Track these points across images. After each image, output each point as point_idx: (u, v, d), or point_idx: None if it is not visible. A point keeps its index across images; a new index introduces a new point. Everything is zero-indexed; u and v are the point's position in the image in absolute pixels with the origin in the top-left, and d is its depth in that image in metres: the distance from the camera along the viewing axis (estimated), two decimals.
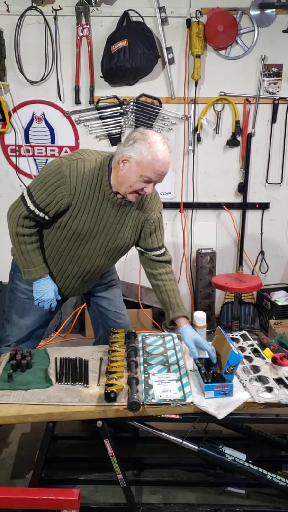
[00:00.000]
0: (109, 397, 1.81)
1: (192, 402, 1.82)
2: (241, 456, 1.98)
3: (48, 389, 1.93)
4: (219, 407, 1.81)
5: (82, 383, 1.97)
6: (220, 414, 1.79)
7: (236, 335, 2.38)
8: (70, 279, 2.24)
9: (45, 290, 2.16)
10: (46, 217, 2.05)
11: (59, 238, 2.13)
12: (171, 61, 3.63)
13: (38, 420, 1.83)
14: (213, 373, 1.96)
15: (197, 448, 1.94)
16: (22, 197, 2.06)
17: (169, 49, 3.59)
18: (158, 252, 2.24)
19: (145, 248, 2.24)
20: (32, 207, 2.02)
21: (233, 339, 2.31)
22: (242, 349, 2.22)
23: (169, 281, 2.23)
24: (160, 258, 2.24)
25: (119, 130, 3.75)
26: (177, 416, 1.84)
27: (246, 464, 1.95)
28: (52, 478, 2.14)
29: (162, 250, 2.26)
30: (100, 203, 2.05)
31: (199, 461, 2.20)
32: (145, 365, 2.07)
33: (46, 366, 2.10)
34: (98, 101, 3.69)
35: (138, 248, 2.28)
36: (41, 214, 2.03)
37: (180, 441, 1.92)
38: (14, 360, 2.07)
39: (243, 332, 2.42)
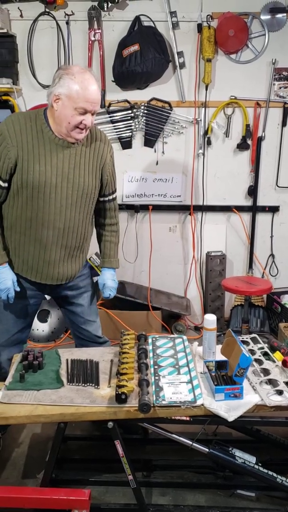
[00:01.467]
0: (120, 398, 1.83)
1: (202, 404, 1.83)
2: (251, 459, 1.98)
3: (59, 389, 1.95)
4: (229, 409, 1.82)
5: (93, 384, 1.99)
6: (230, 417, 1.80)
7: (246, 338, 2.38)
8: (49, 248, 2.18)
9: (2, 279, 2.15)
10: (4, 184, 2.07)
11: (22, 203, 2.11)
12: (182, 65, 3.65)
13: (49, 420, 1.85)
14: (224, 375, 1.97)
15: (207, 450, 1.95)
16: None
17: (180, 54, 3.61)
18: (111, 197, 2.37)
19: (102, 194, 2.32)
20: None
21: (244, 342, 2.32)
22: (252, 352, 2.23)
23: (110, 233, 2.44)
24: (110, 205, 2.38)
25: (130, 133, 3.78)
26: (187, 418, 1.85)
27: (256, 467, 1.96)
28: (63, 479, 2.16)
29: (114, 195, 2.39)
30: (48, 149, 2.07)
31: (208, 463, 2.21)
32: (156, 367, 2.09)
33: (58, 367, 2.13)
34: (109, 105, 3.72)
35: (99, 197, 2.33)
36: None
37: (190, 443, 1.93)
38: (26, 361, 2.10)
39: (253, 335, 2.43)
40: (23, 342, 2.41)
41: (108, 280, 2.41)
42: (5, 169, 2.04)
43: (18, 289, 2.21)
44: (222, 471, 2.17)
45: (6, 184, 2.08)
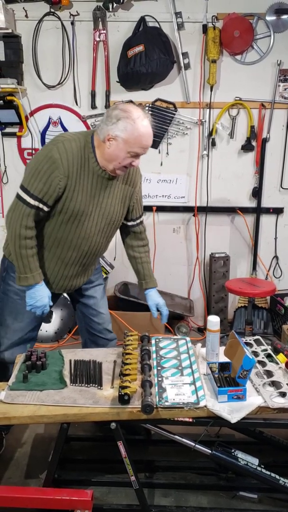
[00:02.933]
0: (123, 399, 1.82)
1: (205, 406, 1.83)
2: (254, 461, 1.98)
3: (62, 390, 1.95)
4: (232, 411, 1.82)
5: (96, 385, 1.99)
6: (233, 418, 1.80)
7: (250, 339, 2.38)
8: (69, 266, 2.24)
9: (39, 296, 2.15)
10: (45, 208, 2.06)
11: (56, 224, 2.13)
12: (187, 66, 3.65)
13: (53, 420, 1.85)
14: (227, 377, 1.97)
15: (210, 451, 1.95)
16: (19, 196, 2.05)
17: (185, 54, 3.61)
18: (138, 221, 2.43)
19: (130, 219, 2.38)
20: (32, 201, 2.02)
21: (247, 344, 2.31)
22: (255, 354, 2.23)
23: (145, 254, 2.50)
24: (139, 228, 2.44)
25: None
26: (190, 420, 1.85)
27: (259, 468, 1.95)
28: (65, 479, 2.16)
29: (141, 219, 2.45)
30: (90, 180, 2.09)
31: (211, 464, 2.20)
32: (159, 368, 2.09)
33: (61, 367, 2.13)
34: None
35: (125, 221, 2.38)
36: (41, 206, 2.04)
37: (193, 444, 1.93)
38: (29, 361, 2.10)
39: (257, 337, 2.42)
40: (34, 340, 2.45)
41: (159, 299, 2.48)
42: (53, 197, 2.04)
43: (51, 303, 2.24)
44: (224, 472, 2.17)
45: (48, 209, 2.09)
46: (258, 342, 2.36)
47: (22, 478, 2.27)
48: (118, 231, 2.41)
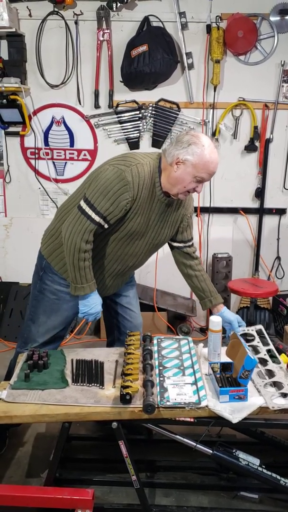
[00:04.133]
0: (125, 399, 1.82)
1: (206, 406, 1.83)
2: (255, 461, 1.98)
3: (64, 389, 1.95)
4: (233, 411, 1.82)
5: (97, 385, 1.99)
6: (235, 419, 1.80)
7: (251, 330, 2.37)
8: (110, 277, 2.28)
9: (93, 304, 2.18)
10: (106, 226, 2.07)
11: (109, 240, 2.16)
12: (191, 66, 3.65)
13: (54, 420, 1.85)
14: (228, 377, 1.97)
15: (211, 451, 1.95)
16: (82, 210, 2.03)
17: (189, 54, 3.61)
18: (190, 243, 2.43)
19: (181, 240, 2.39)
20: (97, 218, 2.02)
21: (248, 336, 2.32)
22: (256, 350, 2.22)
23: (203, 271, 2.46)
24: (191, 249, 2.43)
25: (138, 134, 3.78)
26: (192, 420, 1.84)
27: (260, 469, 1.95)
28: (67, 478, 2.16)
29: (192, 241, 2.45)
30: (151, 204, 2.12)
31: (212, 464, 2.21)
32: (160, 368, 2.09)
33: (63, 367, 2.13)
34: (117, 105, 3.72)
35: (174, 243, 2.40)
36: (103, 223, 2.05)
37: (194, 444, 1.92)
38: (31, 360, 2.10)
39: (259, 326, 2.40)
40: (62, 339, 2.49)
41: (232, 315, 2.40)
42: (117, 218, 2.06)
43: (102, 309, 2.26)
44: (225, 472, 2.17)
45: (108, 227, 2.10)
46: (260, 333, 2.36)
47: (23, 477, 2.27)
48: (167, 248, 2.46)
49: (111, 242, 2.17)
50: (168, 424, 1.92)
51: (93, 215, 2.02)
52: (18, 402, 1.87)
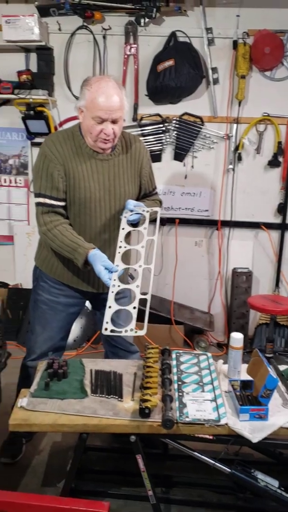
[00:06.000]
0: (144, 412, 1.82)
1: (226, 424, 1.81)
2: (273, 482, 1.94)
3: (83, 400, 1.95)
4: (253, 430, 1.80)
5: (116, 397, 1.98)
6: (255, 438, 1.78)
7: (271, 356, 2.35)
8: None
9: (104, 257, 2.05)
10: (59, 203, 2.11)
11: (70, 219, 2.17)
12: (216, 81, 3.66)
13: (73, 430, 1.86)
14: (249, 395, 1.95)
15: (229, 470, 1.92)
16: (35, 203, 2.15)
17: (215, 69, 3.63)
18: (152, 193, 2.40)
19: (143, 194, 2.35)
20: (46, 200, 2.09)
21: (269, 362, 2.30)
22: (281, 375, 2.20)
23: (154, 201, 2.38)
24: (155, 196, 2.41)
25: (160, 147, 3.81)
26: (211, 437, 1.83)
27: (278, 491, 1.92)
28: (82, 489, 2.14)
29: (155, 191, 2.43)
30: (88, 164, 2.13)
31: (229, 483, 2.17)
32: (179, 383, 2.08)
33: (82, 377, 2.13)
34: (141, 118, 3.76)
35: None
36: (57, 203, 2.10)
37: (213, 462, 1.90)
38: (51, 369, 2.11)
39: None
40: (63, 350, 2.47)
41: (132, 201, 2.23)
42: (61, 188, 2.10)
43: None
44: (243, 492, 2.13)
45: (63, 204, 2.14)
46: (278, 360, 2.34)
47: (38, 486, 2.27)
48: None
49: (73, 220, 2.17)
50: (185, 440, 1.91)
51: (41, 200, 2.10)
52: (38, 410, 1.88)
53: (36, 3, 3.55)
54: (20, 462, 2.43)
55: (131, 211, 2.21)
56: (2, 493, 1.93)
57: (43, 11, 3.57)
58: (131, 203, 2.20)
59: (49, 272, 2.31)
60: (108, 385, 2.06)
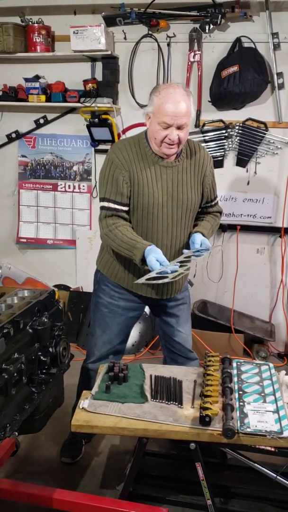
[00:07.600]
0: (204, 420, 1.81)
1: None
2: None
3: (143, 404, 1.97)
4: None
5: (176, 403, 1.99)
6: None
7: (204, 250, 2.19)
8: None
9: (158, 251, 2.03)
10: (123, 208, 2.16)
11: (133, 223, 2.21)
12: (281, 86, 3.59)
13: (133, 434, 1.88)
14: None
15: None
16: (100, 207, 2.22)
17: (280, 74, 3.56)
18: (213, 203, 2.41)
19: (205, 202, 2.36)
20: (110, 205, 2.15)
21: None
22: None
23: (214, 217, 2.41)
24: (213, 208, 2.42)
25: (222, 153, 3.78)
26: (272, 449, 1.79)
27: None
28: (140, 493, 2.16)
29: (216, 200, 2.44)
30: (153, 171, 2.16)
31: None
32: (240, 392, 2.05)
33: (142, 381, 2.15)
34: (204, 124, 3.75)
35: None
36: (120, 207, 2.16)
37: (274, 475, 1.86)
38: (112, 372, 2.15)
39: None
40: (122, 353, 2.51)
41: (200, 237, 2.20)
42: (126, 194, 2.16)
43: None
44: None
45: (127, 208, 2.20)
46: None
47: (97, 487, 2.31)
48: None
49: (135, 225, 2.21)
50: (246, 451, 1.88)
51: (105, 203, 2.17)
52: (99, 413, 1.91)
53: (103, 13, 3.65)
54: (80, 462, 2.48)
55: (197, 250, 2.17)
56: (65, 492, 2.00)
57: (109, 21, 3.66)
58: (198, 240, 2.18)
59: (110, 275, 2.36)
60: (168, 391, 2.07)
